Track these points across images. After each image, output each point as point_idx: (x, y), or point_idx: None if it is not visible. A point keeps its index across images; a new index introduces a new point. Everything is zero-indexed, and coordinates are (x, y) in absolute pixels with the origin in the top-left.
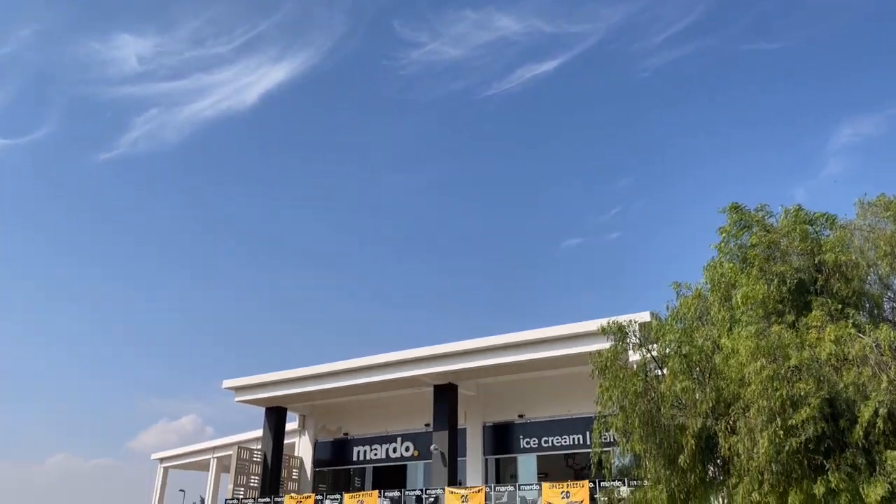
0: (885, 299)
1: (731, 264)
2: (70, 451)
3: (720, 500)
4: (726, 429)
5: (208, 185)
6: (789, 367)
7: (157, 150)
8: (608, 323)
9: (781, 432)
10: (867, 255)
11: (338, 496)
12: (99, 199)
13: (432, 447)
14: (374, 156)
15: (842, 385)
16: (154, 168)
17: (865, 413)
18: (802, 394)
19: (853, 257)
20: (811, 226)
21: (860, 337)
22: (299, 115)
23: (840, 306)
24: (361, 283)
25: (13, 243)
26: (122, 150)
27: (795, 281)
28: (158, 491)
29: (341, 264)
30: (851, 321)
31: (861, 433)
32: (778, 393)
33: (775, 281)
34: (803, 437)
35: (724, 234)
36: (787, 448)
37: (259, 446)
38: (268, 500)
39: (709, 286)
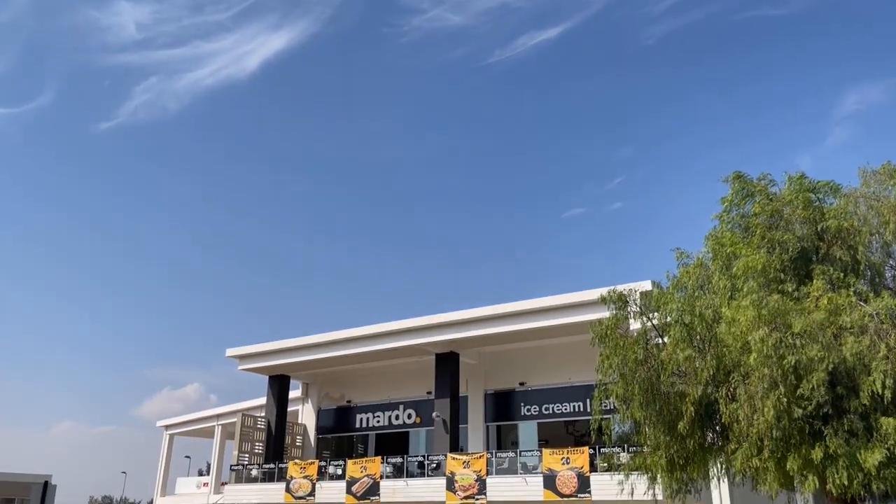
0: (886, 267)
1: (733, 233)
2: (75, 419)
3: (718, 465)
4: (727, 396)
5: (209, 154)
6: (793, 335)
7: (158, 119)
8: (609, 292)
9: (785, 399)
10: (870, 222)
11: (341, 462)
12: (100, 168)
13: (434, 414)
14: (374, 124)
15: (845, 353)
16: (155, 137)
17: (870, 381)
18: (809, 361)
19: (855, 224)
20: (814, 194)
21: (860, 305)
22: (299, 84)
23: (841, 275)
24: (363, 249)
25: (15, 211)
26: (122, 119)
27: (798, 250)
28: (164, 457)
29: (342, 231)
30: (852, 290)
31: (867, 400)
32: (786, 361)
33: (777, 250)
34: (814, 403)
35: (726, 203)
36: (791, 414)
37: (263, 414)
38: (272, 466)
39: (710, 255)
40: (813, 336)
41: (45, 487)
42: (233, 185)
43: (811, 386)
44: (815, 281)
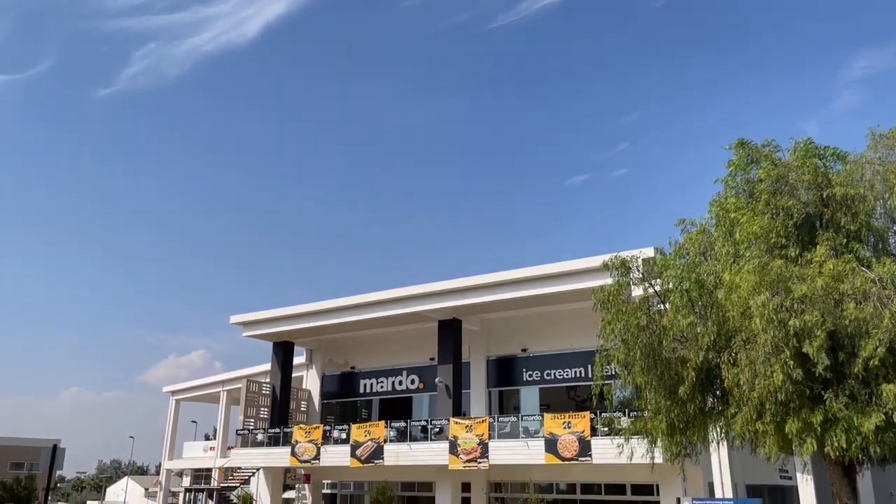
0: (890, 234)
1: (737, 199)
2: (82, 385)
3: (718, 429)
4: (728, 361)
5: (210, 119)
6: (794, 300)
7: (157, 85)
8: (611, 258)
9: (787, 364)
10: (875, 188)
11: (345, 427)
12: (99, 136)
13: (437, 380)
14: (375, 91)
15: (846, 319)
16: (154, 103)
17: (869, 347)
18: (809, 325)
19: (861, 191)
20: (820, 160)
21: (862, 271)
22: (300, 48)
23: (845, 241)
24: (367, 213)
25: (15, 179)
26: (121, 85)
27: (802, 216)
28: (171, 422)
29: (346, 195)
30: (854, 255)
31: (862, 366)
32: (790, 324)
33: (781, 215)
34: (820, 367)
35: (731, 168)
36: (792, 379)
37: (267, 380)
38: (277, 430)
39: (713, 221)
40: (814, 302)
41: (54, 451)
42: (234, 150)
43: (812, 351)
44: (818, 247)
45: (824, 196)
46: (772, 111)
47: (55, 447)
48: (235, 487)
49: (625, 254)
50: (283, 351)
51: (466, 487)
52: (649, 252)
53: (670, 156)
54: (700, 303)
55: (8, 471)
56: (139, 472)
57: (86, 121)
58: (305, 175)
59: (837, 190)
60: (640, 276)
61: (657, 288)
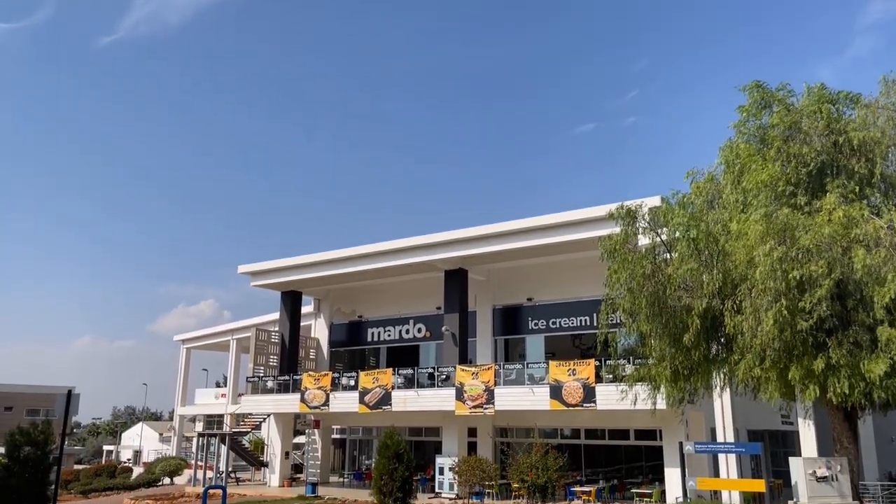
0: None
1: (748, 145)
2: (94, 334)
3: (721, 375)
4: (732, 309)
5: (215, 64)
6: (799, 249)
7: (159, 32)
8: (616, 208)
9: (786, 312)
10: (888, 134)
11: (354, 374)
12: (102, 84)
13: (444, 328)
14: (377, 41)
15: (857, 266)
16: (156, 50)
17: (883, 293)
18: (814, 275)
19: (874, 137)
20: (834, 105)
21: (873, 219)
22: None
23: (857, 188)
24: (373, 166)
25: (17, 130)
26: (123, 32)
27: (815, 163)
28: (183, 370)
29: (359, 141)
30: (866, 202)
31: (880, 313)
32: (791, 275)
33: (793, 163)
34: (815, 317)
35: (744, 113)
36: (795, 326)
37: (276, 328)
38: (287, 378)
39: (723, 168)
40: (820, 251)
41: (69, 396)
42: (239, 95)
43: (814, 300)
44: (828, 195)
45: (837, 142)
46: (786, 58)
47: (70, 393)
48: (247, 433)
49: (631, 203)
50: (291, 300)
51: (472, 432)
52: (656, 201)
53: (681, 103)
54: (706, 251)
55: (24, 417)
56: (153, 418)
57: (87, 69)
58: (317, 116)
59: (851, 135)
60: (647, 225)
61: (663, 237)
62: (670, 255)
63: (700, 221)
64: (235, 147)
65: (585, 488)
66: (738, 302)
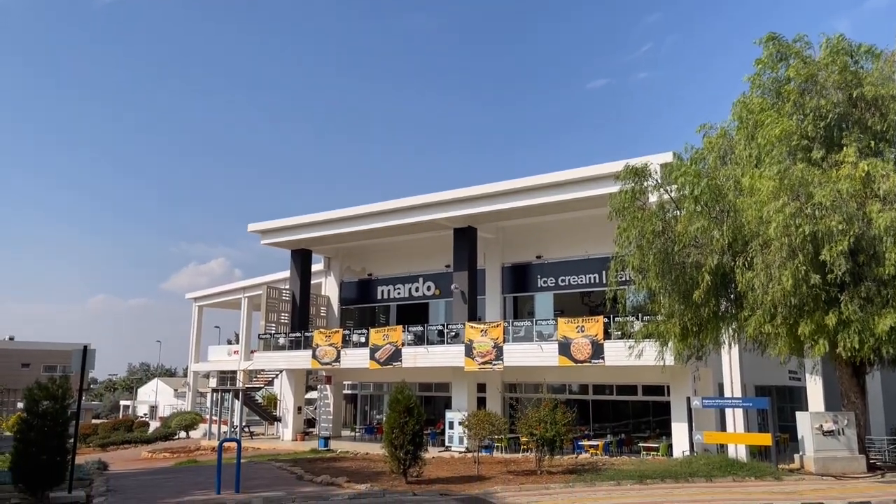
0: None
1: (763, 99)
2: (109, 293)
3: (730, 331)
4: (743, 265)
5: (217, 24)
6: (814, 205)
7: None
8: (625, 166)
9: (803, 268)
10: None
11: (364, 331)
12: (108, 32)
13: (453, 286)
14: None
15: (877, 222)
16: (159, 9)
17: None
18: (830, 231)
19: (891, 90)
20: (851, 58)
21: (892, 174)
22: None
23: (871, 142)
24: (381, 125)
25: (25, 88)
26: None
27: (834, 117)
28: (195, 327)
29: (362, 106)
30: (880, 158)
31: (893, 270)
32: (800, 230)
33: (809, 116)
34: (835, 272)
35: (759, 66)
36: (808, 282)
37: (287, 286)
38: (298, 335)
39: (736, 124)
40: (836, 206)
41: (85, 352)
42: (244, 60)
43: (831, 256)
44: (845, 149)
45: (853, 95)
46: (803, 11)
47: (85, 348)
48: (260, 388)
49: (640, 160)
50: (301, 258)
51: (482, 388)
52: (668, 157)
53: (694, 57)
54: (717, 208)
55: (42, 373)
56: (167, 374)
57: (89, 26)
58: (326, 53)
59: (867, 89)
60: (657, 182)
61: (673, 194)
62: (680, 212)
63: (707, 177)
64: (245, 96)
65: (593, 442)
66: (749, 258)
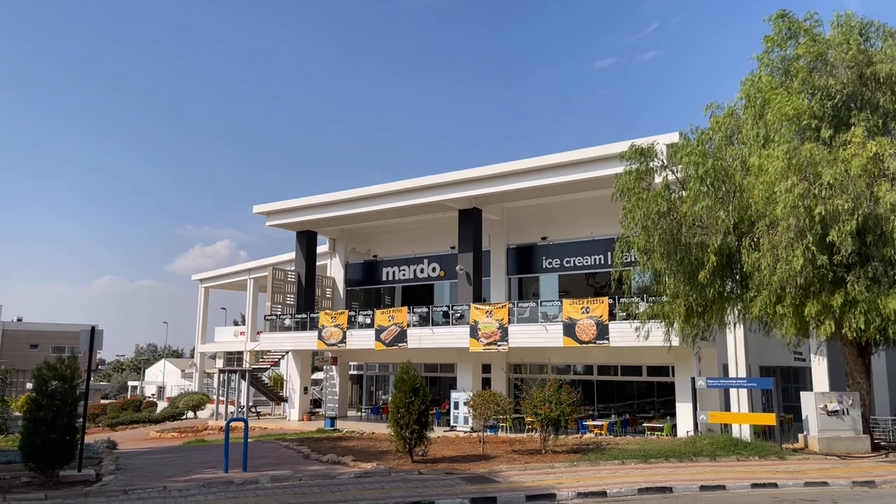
0: None
1: (771, 77)
2: (115, 274)
3: (735, 312)
4: (749, 246)
5: (224, 6)
6: (822, 185)
7: None
8: (630, 147)
9: (811, 249)
10: None
11: (370, 312)
12: (108, 14)
13: (458, 268)
14: None
15: (885, 201)
16: None
17: None
18: (838, 210)
19: None
20: (862, 35)
21: None
22: None
23: (880, 122)
24: (386, 108)
25: (27, 65)
26: None
27: (841, 96)
28: (202, 309)
29: (367, 89)
30: (889, 137)
31: None
32: (815, 211)
33: (818, 95)
34: (843, 253)
35: (768, 44)
36: (815, 263)
37: (293, 268)
38: (304, 316)
39: (743, 102)
40: (844, 186)
41: (93, 332)
42: (251, 26)
43: (839, 236)
44: (853, 128)
45: (863, 74)
46: None
47: (93, 329)
48: (266, 369)
49: (646, 140)
50: (306, 240)
51: (487, 368)
52: (674, 137)
53: (701, 36)
54: (723, 188)
55: (50, 354)
56: (174, 355)
57: (100, 10)
58: (330, 36)
59: (878, 68)
60: (662, 162)
61: (679, 175)
62: (685, 193)
63: (713, 158)
64: (251, 80)
65: (597, 422)
66: (755, 239)
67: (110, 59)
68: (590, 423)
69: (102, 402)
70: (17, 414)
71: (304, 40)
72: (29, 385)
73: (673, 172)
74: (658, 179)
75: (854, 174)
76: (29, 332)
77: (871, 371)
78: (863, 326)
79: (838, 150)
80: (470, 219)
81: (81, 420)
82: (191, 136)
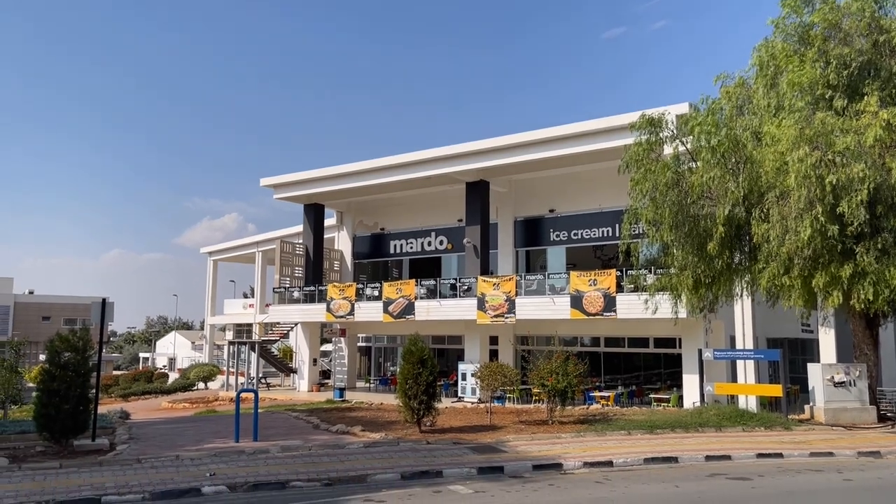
0: None
1: (785, 44)
2: (124, 247)
3: (743, 284)
4: (759, 217)
5: None
6: (835, 153)
7: None
8: (639, 117)
9: (822, 219)
10: None
11: (377, 285)
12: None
13: (465, 241)
14: None
15: (895, 172)
16: None
17: None
18: (850, 180)
19: None
20: (876, 3)
21: None
22: None
23: (895, 91)
24: (396, 78)
25: (37, 48)
26: None
27: (858, 65)
28: (211, 281)
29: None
30: None
31: None
32: (828, 180)
33: (832, 64)
34: (855, 223)
35: (785, 10)
36: (825, 234)
37: (300, 241)
38: (312, 288)
39: (755, 70)
40: (856, 156)
41: (104, 305)
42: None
43: (850, 207)
44: (867, 98)
45: (877, 42)
46: None
47: (104, 301)
48: (276, 341)
49: (654, 111)
50: (314, 213)
51: (494, 340)
52: (684, 108)
53: (712, 6)
54: (732, 158)
55: (62, 326)
56: (185, 327)
57: None
58: (335, 4)
59: (893, 35)
60: (672, 133)
61: (688, 145)
62: (695, 164)
63: (727, 127)
64: (255, 55)
65: (604, 393)
66: (765, 210)
67: (116, 30)
68: (596, 394)
69: (115, 373)
70: (31, 385)
71: (306, 12)
72: (41, 357)
73: (683, 143)
74: (667, 151)
75: (866, 144)
76: (40, 305)
77: (879, 343)
78: (871, 298)
79: (851, 119)
80: (477, 191)
81: (94, 390)
82: (200, 109)
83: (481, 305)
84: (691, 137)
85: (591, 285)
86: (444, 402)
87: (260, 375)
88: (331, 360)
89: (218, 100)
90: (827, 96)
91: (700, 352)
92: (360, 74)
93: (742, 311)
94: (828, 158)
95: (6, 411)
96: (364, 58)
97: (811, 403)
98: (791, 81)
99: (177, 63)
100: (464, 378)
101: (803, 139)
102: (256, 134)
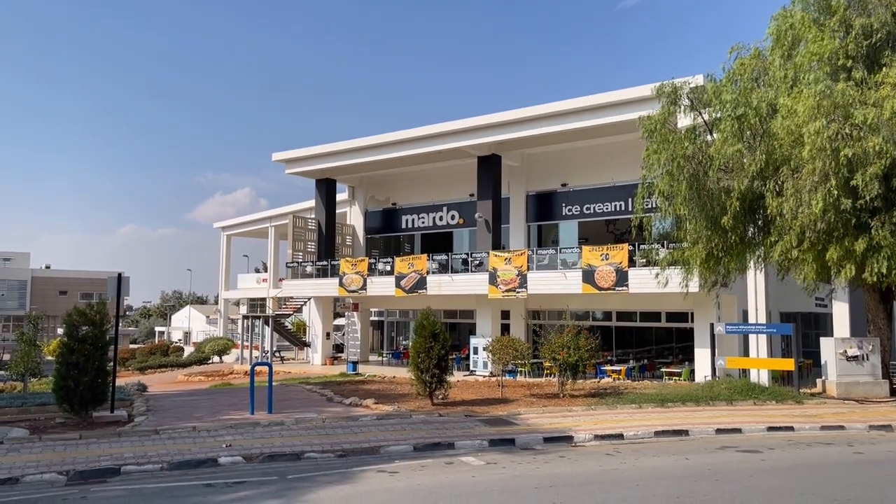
0: None
1: (804, 13)
2: (137, 223)
3: (756, 257)
4: (773, 190)
5: None
6: (853, 126)
7: None
8: (660, 85)
9: (836, 192)
10: None
11: (389, 259)
12: None
13: (477, 215)
14: None
15: None
16: None
17: None
18: (866, 152)
19: None
20: None
21: None
22: None
23: None
24: (407, 44)
25: (50, 12)
26: None
27: (881, 35)
28: (224, 256)
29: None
30: None
31: None
32: (843, 153)
33: (852, 34)
34: (868, 197)
35: None
36: (839, 207)
37: (313, 215)
38: (325, 263)
39: (771, 41)
40: (874, 128)
41: (119, 279)
42: None
43: (863, 181)
44: (885, 69)
45: None
46: None
47: (120, 276)
48: (289, 315)
49: (671, 82)
50: (326, 188)
51: (506, 315)
52: (699, 80)
53: None
54: (750, 131)
55: (79, 300)
56: (199, 301)
57: None
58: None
59: None
60: (689, 104)
61: (705, 117)
62: (711, 136)
63: (745, 98)
64: (269, 23)
65: (615, 367)
66: (780, 183)
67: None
68: (608, 368)
69: (131, 346)
70: (50, 358)
71: None
72: (59, 330)
73: (700, 115)
74: (685, 122)
75: (885, 116)
76: (57, 280)
77: (893, 317)
78: (885, 272)
79: (870, 90)
80: (489, 166)
81: (112, 363)
82: (213, 85)
83: (493, 280)
84: (710, 109)
85: (602, 260)
86: (456, 376)
87: (274, 349)
88: (344, 334)
89: (233, 74)
90: (848, 66)
91: (712, 326)
92: (374, 40)
93: (755, 285)
94: (845, 132)
95: (26, 384)
96: (380, 23)
97: (823, 377)
98: (811, 51)
99: (190, 36)
100: (475, 352)
101: (821, 111)
102: (271, 108)
